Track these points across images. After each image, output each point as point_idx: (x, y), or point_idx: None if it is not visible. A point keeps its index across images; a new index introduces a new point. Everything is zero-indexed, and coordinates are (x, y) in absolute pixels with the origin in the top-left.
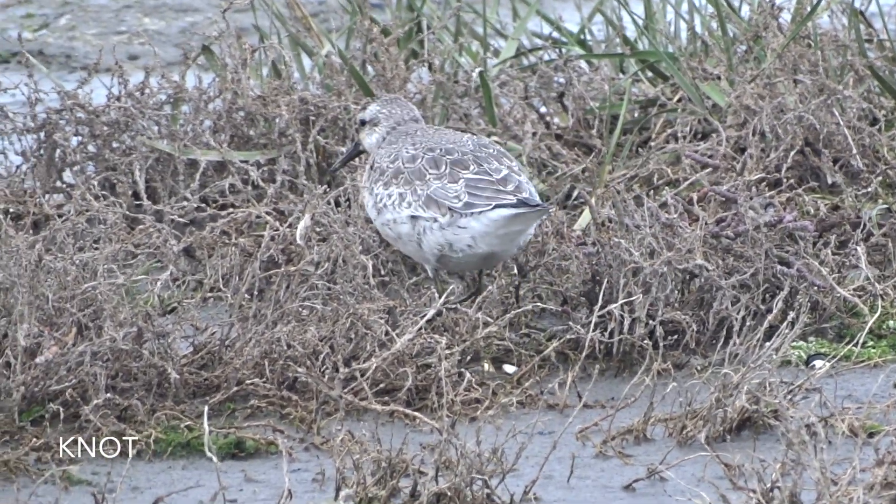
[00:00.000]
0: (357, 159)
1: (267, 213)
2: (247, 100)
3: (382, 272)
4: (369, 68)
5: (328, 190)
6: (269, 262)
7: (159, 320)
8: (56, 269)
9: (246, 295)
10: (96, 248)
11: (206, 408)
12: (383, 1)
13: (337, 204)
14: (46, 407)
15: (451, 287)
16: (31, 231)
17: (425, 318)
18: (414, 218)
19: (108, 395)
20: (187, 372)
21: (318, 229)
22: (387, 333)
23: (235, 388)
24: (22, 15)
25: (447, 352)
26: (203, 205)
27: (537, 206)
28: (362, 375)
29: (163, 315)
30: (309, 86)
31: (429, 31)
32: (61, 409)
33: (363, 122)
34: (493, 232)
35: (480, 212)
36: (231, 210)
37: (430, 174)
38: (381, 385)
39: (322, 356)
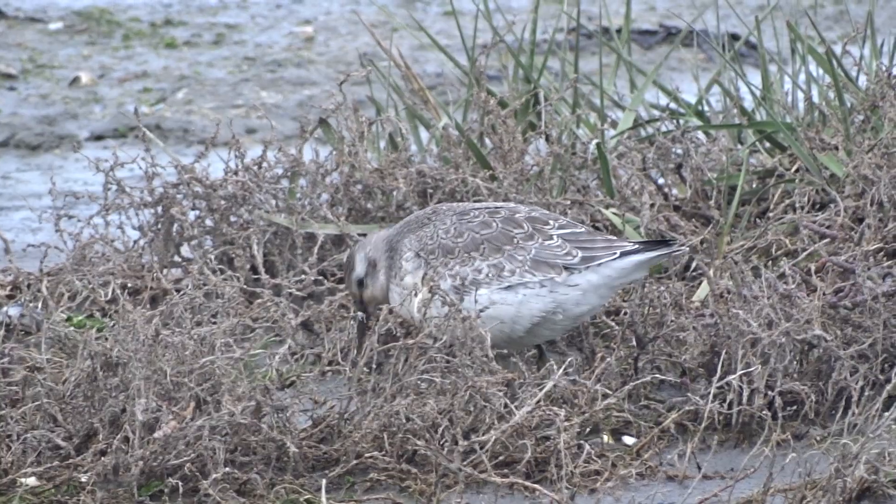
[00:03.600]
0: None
1: None
2: (364, 173)
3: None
4: (486, 140)
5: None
6: (387, 336)
7: (278, 394)
8: (174, 344)
9: (364, 368)
10: (214, 323)
11: (325, 481)
12: (500, 73)
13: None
14: (165, 482)
15: (569, 359)
16: (148, 306)
17: (544, 391)
18: (512, 287)
19: (227, 469)
20: (306, 445)
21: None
22: (505, 406)
23: (355, 462)
24: (139, 89)
25: (566, 424)
26: (321, 278)
27: (670, 242)
28: (481, 448)
29: (281, 389)
30: (426, 158)
31: (546, 102)
32: (180, 484)
33: (361, 282)
34: (610, 283)
35: (600, 263)
36: None
37: (516, 234)
38: (501, 457)
39: (441, 429)
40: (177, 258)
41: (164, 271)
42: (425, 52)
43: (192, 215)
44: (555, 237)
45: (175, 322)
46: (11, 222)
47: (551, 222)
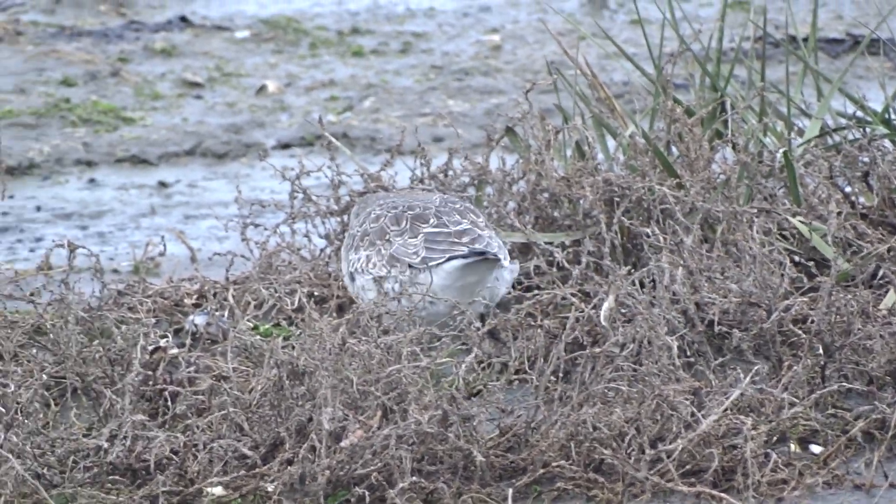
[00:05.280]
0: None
1: (572, 294)
2: (550, 181)
3: (688, 353)
4: (673, 149)
5: (633, 271)
6: (574, 344)
7: (464, 403)
8: (360, 353)
9: (551, 377)
10: (400, 332)
11: (512, 490)
12: (687, 81)
13: (641, 285)
14: (352, 491)
15: (756, 367)
16: (335, 314)
17: (731, 399)
18: (380, 279)
19: (414, 478)
20: (493, 454)
21: (622, 310)
22: (692, 414)
23: (541, 471)
24: (326, 98)
25: (753, 432)
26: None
27: (483, 254)
28: (668, 456)
29: (468, 398)
30: (613, 167)
31: (733, 111)
32: (367, 493)
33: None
34: (450, 285)
35: (437, 264)
36: (536, 292)
37: (391, 231)
38: (687, 466)
39: (628, 437)
40: None
41: None
42: (612, 61)
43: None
44: (420, 235)
45: (361, 331)
46: (198, 231)
47: (432, 220)
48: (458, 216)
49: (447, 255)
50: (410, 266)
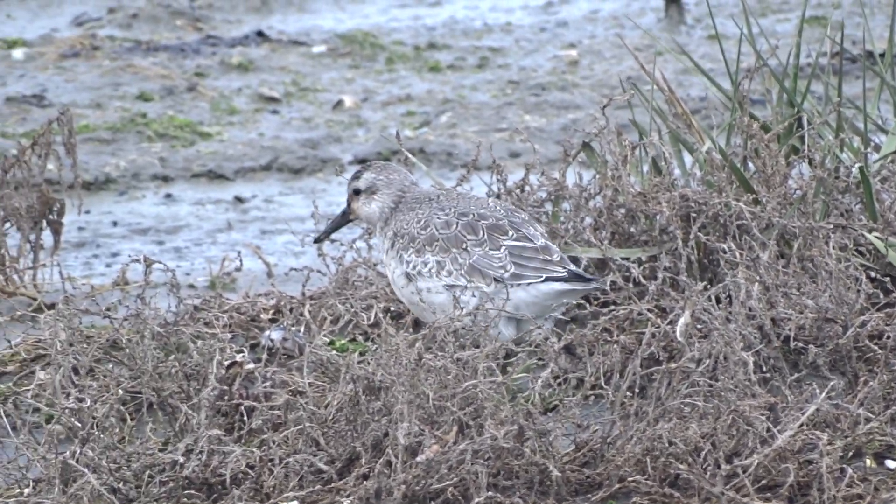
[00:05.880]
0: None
1: (648, 310)
2: (627, 196)
3: (763, 368)
4: (749, 164)
5: (709, 286)
6: (650, 360)
7: (540, 418)
8: (436, 368)
9: (627, 392)
10: (476, 347)
11: None
12: (764, 97)
13: (717, 300)
14: None
15: (832, 383)
16: (411, 329)
17: (806, 414)
18: (452, 287)
19: (490, 493)
20: (569, 469)
21: (698, 326)
22: (768, 430)
23: (617, 486)
24: (402, 113)
25: (829, 447)
26: (584, 302)
27: (590, 280)
28: (744, 472)
29: (544, 413)
30: (689, 182)
31: (809, 126)
32: None
33: (357, 192)
34: (538, 304)
35: (529, 283)
36: (612, 307)
37: (468, 241)
38: (763, 481)
39: (703, 452)
40: None
41: None
42: (689, 76)
43: None
44: (502, 248)
45: (438, 346)
46: (274, 246)
47: (511, 233)
48: (533, 229)
49: (544, 276)
50: (496, 280)
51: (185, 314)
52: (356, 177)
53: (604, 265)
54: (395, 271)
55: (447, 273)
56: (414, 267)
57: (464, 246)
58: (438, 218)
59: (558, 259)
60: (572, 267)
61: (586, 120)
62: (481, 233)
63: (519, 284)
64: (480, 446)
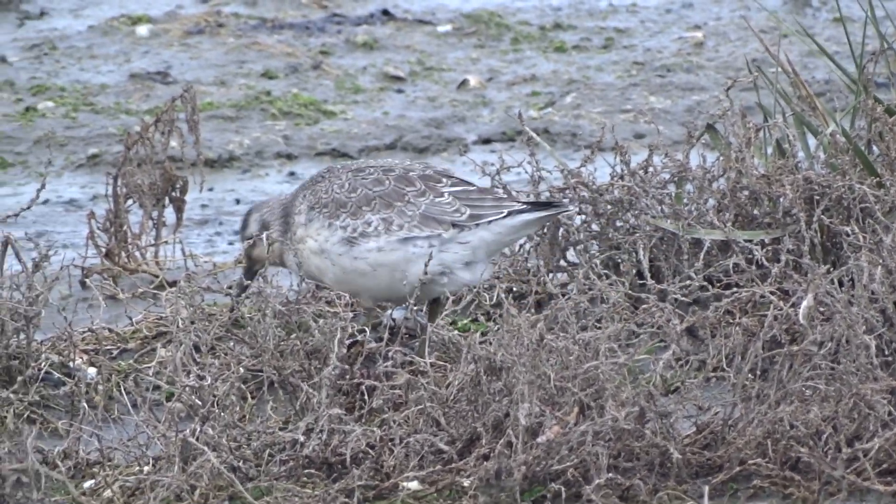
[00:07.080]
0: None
1: (771, 292)
2: (751, 179)
3: (886, 352)
4: (874, 147)
5: (832, 270)
6: (772, 342)
7: (662, 400)
8: (558, 349)
9: (749, 375)
10: (599, 328)
11: (708, 487)
12: (889, 80)
13: (840, 284)
14: (548, 487)
15: None
16: (533, 310)
17: None
18: (406, 241)
19: (610, 474)
20: (689, 451)
21: (821, 309)
22: (890, 413)
23: (738, 468)
24: (527, 93)
25: None
26: (707, 284)
27: (552, 205)
28: (865, 455)
29: (665, 394)
30: (813, 165)
31: None
32: (563, 489)
33: (251, 238)
34: (498, 241)
35: (490, 221)
36: (735, 290)
37: (408, 191)
38: (884, 465)
39: (825, 436)
40: (562, 262)
41: (550, 276)
42: (814, 59)
43: (578, 220)
44: (446, 194)
45: (560, 327)
46: None
47: (444, 180)
48: (456, 177)
49: (506, 211)
50: (454, 224)
51: (307, 293)
52: (243, 227)
53: (727, 247)
54: (326, 242)
55: (398, 227)
56: (354, 230)
57: (406, 198)
58: (365, 178)
59: (506, 195)
60: (526, 198)
61: (711, 102)
62: (418, 184)
63: (479, 224)
64: (601, 428)
